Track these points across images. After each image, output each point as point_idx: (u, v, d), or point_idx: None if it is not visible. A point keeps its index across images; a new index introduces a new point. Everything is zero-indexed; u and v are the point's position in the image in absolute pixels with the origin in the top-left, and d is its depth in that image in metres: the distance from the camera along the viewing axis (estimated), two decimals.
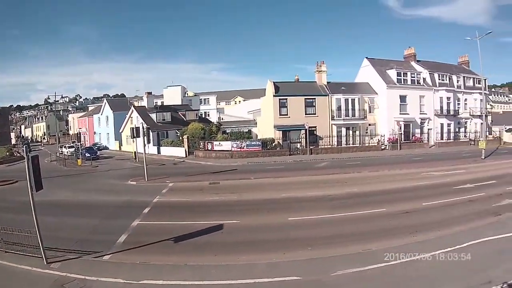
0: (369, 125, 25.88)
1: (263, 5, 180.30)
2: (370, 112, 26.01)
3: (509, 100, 74.53)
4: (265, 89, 26.44)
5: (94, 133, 43.13)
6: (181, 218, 9.57)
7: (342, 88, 25.55)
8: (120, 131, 34.08)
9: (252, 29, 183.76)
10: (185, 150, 25.09)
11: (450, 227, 8.62)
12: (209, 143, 23.85)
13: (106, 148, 36.95)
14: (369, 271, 6.07)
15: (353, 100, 24.75)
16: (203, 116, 39.76)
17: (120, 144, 34.86)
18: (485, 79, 32.03)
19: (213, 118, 41.12)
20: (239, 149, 22.54)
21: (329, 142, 23.90)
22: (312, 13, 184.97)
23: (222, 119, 39.61)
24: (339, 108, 24.52)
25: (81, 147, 27.13)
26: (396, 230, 8.45)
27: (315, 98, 24.46)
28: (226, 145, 23.03)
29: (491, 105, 46.17)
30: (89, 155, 25.13)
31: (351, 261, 6.47)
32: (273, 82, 25.05)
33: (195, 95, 48.43)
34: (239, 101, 59.47)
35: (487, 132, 31.65)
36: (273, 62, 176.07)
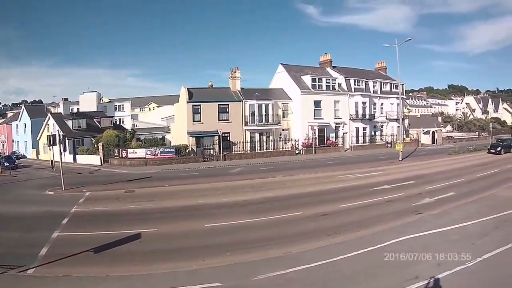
0: (283, 130, 31.27)
1: (178, 11, 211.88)
2: (284, 117, 31.43)
3: (427, 104, 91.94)
4: (179, 95, 30.12)
5: (13, 141, 45.40)
6: (99, 228, 10.79)
7: (256, 94, 30.43)
8: (38, 138, 36.70)
9: (168, 35, 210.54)
10: (101, 158, 27.41)
11: (370, 228, 10.51)
12: (123, 151, 26.38)
13: (24, 156, 39.77)
14: (291, 273, 7.02)
15: (266, 106, 29.73)
16: (118, 123, 43.33)
17: (38, 153, 37.83)
18: (402, 84, 40.65)
19: (128, 125, 45.08)
20: (153, 156, 25.52)
21: (243, 147, 28.35)
22: (228, 20, 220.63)
23: (137, 126, 43.47)
24: (252, 114, 29.23)
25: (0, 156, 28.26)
26: (315, 232, 10.11)
27: (228, 104, 28.83)
28: (141, 153, 25.83)
29: (408, 109, 57.08)
30: (8, 164, 26.64)
31: (272, 265, 7.49)
32: (187, 88, 28.76)
33: (110, 102, 53.29)
34: (153, 108, 65.47)
35: (404, 135, 39.82)
36: (188, 68, 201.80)
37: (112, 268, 7.72)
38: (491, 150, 30.87)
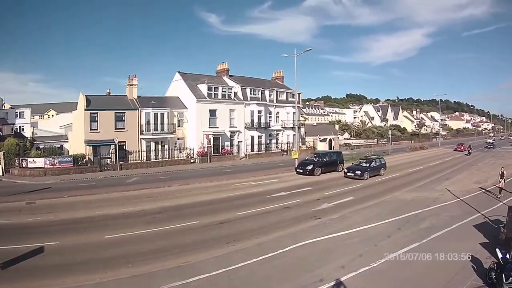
0: (178, 139, 41.04)
1: (76, 14, 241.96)
2: (179, 126, 41.26)
3: (324, 112, 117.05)
4: (78, 102, 37.08)
5: None
6: (1, 242, 12.67)
7: (152, 102, 39.38)
8: None
9: (68, 38, 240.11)
10: (2, 168, 31.97)
11: (269, 234, 14.03)
12: (23, 160, 31.62)
13: None
14: (192, 283, 9.14)
15: (162, 114, 38.91)
16: (18, 130, 49.55)
17: None
18: (299, 93, 54.46)
19: (28, 133, 51.23)
20: (52, 166, 31.42)
21: (139, 157, 36.86)
22: (129, 26, 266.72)
23: (36, 134, 49.50)
24: (148, 123, 38.02)
25: None
26: (213, 241, 13.23)
27: (125, 113, 37.01)
28: (40, 162, 31.42)
29: (304, 117, 73.14)
30: None
31: (173, 275, 9.75)
32: (85, 95, 35.95)
33: (11, 108, 60.32)
34: (52, 115, 71.40)
35: (300, 143, 53.30)
36: (88, 75, 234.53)
37: (15, 285, 9.46)
38: (298, 170, 31.44)
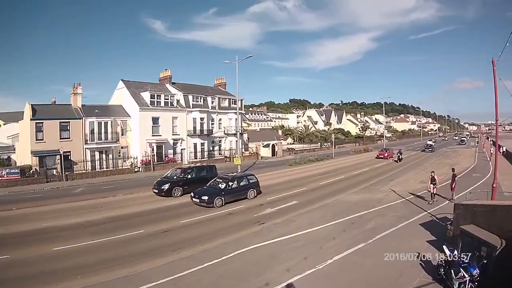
0: (122, 147, 47.09)
1: (21, 23, 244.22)
2: (123, 134, 47.37)
3: (267, 118, 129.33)
4: (24, 112, 41.48)
5: None
6: None
7: (96, 111, 44.99)
8: None
9: (13, 45, 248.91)
10: None
11: (213, 241, 16.79)
12: None
13: None
14: None
15: (105, 123, 44.65)
16: None
17: None
18: (241, 100, 62.17)
19: None
20: (0, 178, 35.50)
21: (84, 167, 42.19)
22: (74, 33, 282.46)
23: None
24: (92, 132, 43.51)
25: None
26: (159, 249, 15.59)
27: (69, 122, 42.15)
28: None
29: (247, 123, 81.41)
30: None
31: (122, 285, 11.68)
32: (31, 104, 40.60)
33: None
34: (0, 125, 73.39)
35: (243, 149, 61.00)
36: (34, 83, 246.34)
37: None
38: (154, 190, 28.87)
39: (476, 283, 11.03)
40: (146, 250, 15.93)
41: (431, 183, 24.75)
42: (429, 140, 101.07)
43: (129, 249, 15.98)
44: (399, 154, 57.20)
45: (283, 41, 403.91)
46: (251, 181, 27.95)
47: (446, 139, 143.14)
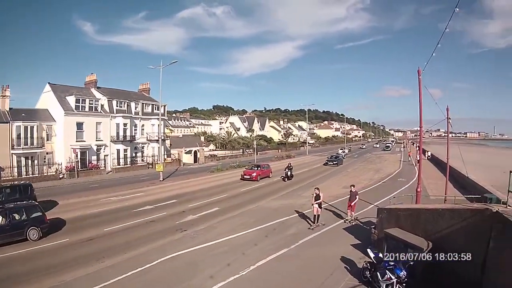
0: (47, 153, 51.63)
1: None
2: (48, 140, 51.85)
3: (190, 124, 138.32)
4: None
5: None
6: None
7: (23, 114, 48.94)
8: None
9: None
10: None
11: (137, 249, 18.35)
12: None
13: None
14: None
15: (32, 128, 48.84)
16: None
17: None
18: (164, 105, 68.25)
19: None
20: None
21: (11, 173, 45.64)
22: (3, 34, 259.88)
23: None
24: (19, 136, 47.42)
25: None
26: (84, 258, 16.95)
27: None
28: None
29: (170, 129, 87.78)
30: None
31: None
32: None
33: None
34: None
35: (165, 155, 66.87)
36: None
37: None
38: None
39: (404, 285, 12.44)
40: (71, 259, 17.22)
41: (314, 202, 22.52)
42: (341, 149, 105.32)
43: (55, 259, 17.27)
44: (287, 170, 46.49)
45: (209, 48, 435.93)
46: (32, 215, 21.10)
47: (364, 147, 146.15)
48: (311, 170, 58.65)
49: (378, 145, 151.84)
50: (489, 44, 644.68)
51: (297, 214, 26.21)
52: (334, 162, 66.64)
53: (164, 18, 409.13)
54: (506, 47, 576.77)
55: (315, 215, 22.71)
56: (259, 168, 48.53)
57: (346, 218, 24.21)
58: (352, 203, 23.87)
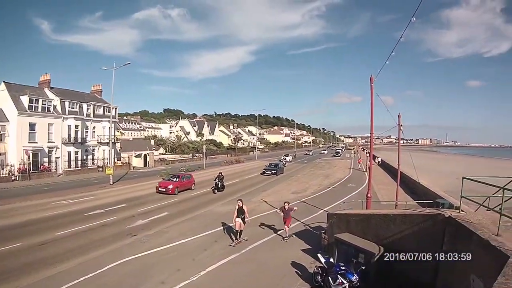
0: (0, 154, 52.89)
1: None
2: (1, 140, 53.49)
3: (140, 127, 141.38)
4: None
5: None
6: None
7: None
8: None
9: None
10: None
11: (88, 253, 18.87)
12: None
13: None
14: None
15: None
16: None
17: None
18: (115, 108, 70.45)
19: None
20: None
21: None
22: None
23: None
24: None
25: None
26: (37, 263, 17.21)
27: None
28: None
29: (121, 132, 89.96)
30: None
31: None
32: None
33: None
34: None
35: (116, 158, 69.40)
36: None
37: None
38: None
39: None
40: (25, 264, 17.40)
41: (237, 217, 21.31)
42: (284, 155, 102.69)
43: (7, 264, 17.27)
44: (217, 181, 42.62)
45: (162, 50, 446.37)
46: None
47: (311, 153, 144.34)
48: (260, 176, 60.49)
49: (326, 151, 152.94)
50: (444, 53, 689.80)
51: (246, 219, 25.32)
52: (273, 171, 61.65)
53: (120, 18, 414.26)
54: (461, 56, 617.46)
55: (237, 231, 21.65)
56: (178, 179, 42.27)
57: (282, 235, 23.04)
58: (287, 220, 22.38)
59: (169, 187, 39.69)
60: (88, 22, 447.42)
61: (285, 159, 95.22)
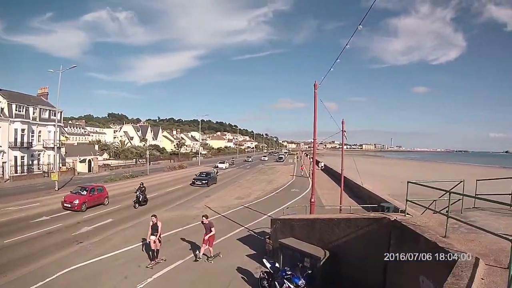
0: None
1: None
2: None
3: (85, 132, 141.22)
4: None
5: None
6: None
7: None
8: None
9: None
10: None
11: (36, 262, 18.71)
12: None
13: None
14: None
15: None
16: None
17: None
18: (60, 112, 70.79)
19: None
20: None
21: None
22: None
23: None
24: None
25: None
26: None
27: None
28: None
29: (66, 136, 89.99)
30: None
31: None
32: None
33: None
34: None
35: (61, 164, 68.71)
36: None
37: None
38: None
39: None
40: None
41: (152, 234, 19.31)
42: (220, 162, 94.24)
43: None
44: (138, 193, 36.81)
45: (109, 54, 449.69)
46: None
47: (250, 159, 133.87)
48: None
49: (266, 157, 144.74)
50: (390, 60, 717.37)
51: (191, 225, 27.60)
52: (204, 181, 54.68)
53: (70, 20, 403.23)
54: (407, 63, 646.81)
55: (153, 250, 19.39)
56: (86, 192, 35.09)
57: (198, 255, 20.08)
58: (207, 236, 19.58)
59: (74, 202, 32.96)
60: (38, 23, 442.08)
61: (218, 166, 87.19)
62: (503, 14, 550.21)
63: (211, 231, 19.65)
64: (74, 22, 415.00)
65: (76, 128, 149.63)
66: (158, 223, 19.37)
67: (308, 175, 67.50)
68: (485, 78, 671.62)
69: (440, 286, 7.45)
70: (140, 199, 36.34)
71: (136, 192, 36.83)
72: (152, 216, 19.99)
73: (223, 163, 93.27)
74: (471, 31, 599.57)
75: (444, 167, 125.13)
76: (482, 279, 7.38)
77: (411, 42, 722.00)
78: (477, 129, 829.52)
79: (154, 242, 19.11)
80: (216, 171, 71.34)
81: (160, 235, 19.48)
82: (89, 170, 78.68)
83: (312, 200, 26.03)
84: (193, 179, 56.30)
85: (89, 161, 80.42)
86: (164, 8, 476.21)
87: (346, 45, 18.57)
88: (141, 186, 37.57)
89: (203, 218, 19.99)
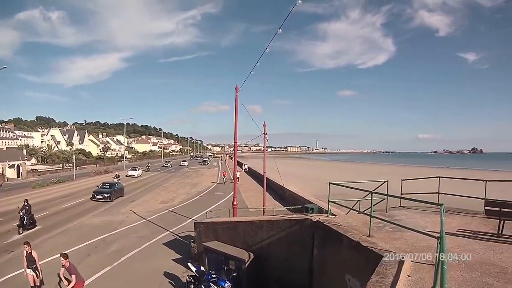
0: None
1: None
2: None
3: (14, 136, 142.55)
4: None
5: None
6: None
7: None
8: None
9: None
10: None
11: None
12: None
13: None
14: None
15: None
16: None
17: None
18: None
19: None
20: None
21: None
22: None
23: None
24: None
25: None
26: None
27: None
28: None
29: None
30: None
31: None
32: None
33: None
34: None
35: None
36: None
37: None
38: None
39: None
40: None
41: (27, 267, 16.16)
42: (131, 169, 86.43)
43: None
44: (22, 214, 27.80)
45: (39, 54, 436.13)
46: None
47: (169, 164, 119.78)
48: (128, 185, 58.49)
49: (186, 162, 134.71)
50: (317, 64, 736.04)
51: (117, 230, 27.73)
52: (106, 195, 44.11)
53: (4, 18, 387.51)
54: (334, 67, 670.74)
55: (33, 286, 16.13)
56: None
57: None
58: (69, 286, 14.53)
59: None
60: None
61: (128, 174, 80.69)
62: (435, 20, 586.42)
63: (75, 273, 14.61)
64: (8, 21, 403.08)
65: (5, 131, 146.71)
66: (33, 253, 16.13)
67: (232, 180, 58.51)
68: (414, 81, 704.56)
69: (365, 283, 7.41)
70: (25, 221, 27.85)
71: (19, 213, 27.95)
72: (24, 244, 16.50)
73: (135, 169, 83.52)
74: (401, 36, 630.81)
75: (370, 168, 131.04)
76: (408, 276, 7.56)
77: (339, 46, 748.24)
78: (406, 130, 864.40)
79: (32, 276, 16.03)
80: (117, 180, 58.13)
81: (37, 267, 16.17)
82: (18, 176, 79.24)
83: (235, 203, 25.36)
84: (93, 191, 45.24)
85: (18, 166, 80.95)
86: (96, 9, 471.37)
87: (266, 49, 19.14)
88: (25, 204, 28.64)
89: (61, 258, 14.79)
